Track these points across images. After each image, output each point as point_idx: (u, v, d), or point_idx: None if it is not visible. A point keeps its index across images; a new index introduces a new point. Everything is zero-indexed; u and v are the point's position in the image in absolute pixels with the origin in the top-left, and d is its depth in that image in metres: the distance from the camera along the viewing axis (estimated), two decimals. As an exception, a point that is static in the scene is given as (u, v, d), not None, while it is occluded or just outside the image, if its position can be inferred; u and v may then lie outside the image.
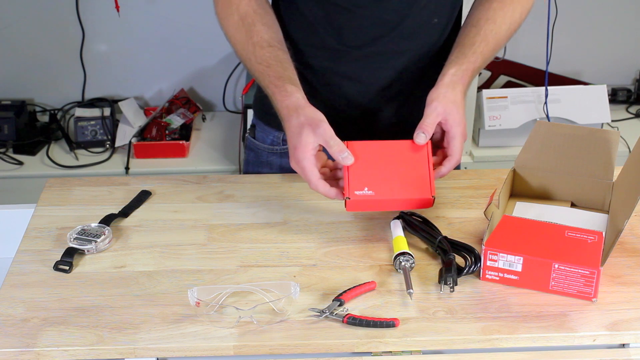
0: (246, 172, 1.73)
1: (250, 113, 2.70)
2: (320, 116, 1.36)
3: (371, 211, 1.41)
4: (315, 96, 1.47)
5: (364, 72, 1.54)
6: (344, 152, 1.34)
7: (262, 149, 1.68)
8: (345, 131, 1.43)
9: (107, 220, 1.43)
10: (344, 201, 1.35)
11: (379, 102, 1.58)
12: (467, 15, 1.54)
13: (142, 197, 1.51)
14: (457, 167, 1.48)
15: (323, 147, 1.36)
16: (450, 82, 1.41)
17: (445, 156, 1.40)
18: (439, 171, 1.39)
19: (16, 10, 2.91)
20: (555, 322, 1.21)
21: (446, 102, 1.38)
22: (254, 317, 1.20)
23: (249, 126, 2.69)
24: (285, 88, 1.40)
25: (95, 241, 1.36)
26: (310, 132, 1.34)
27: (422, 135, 1.37)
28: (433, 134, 1.39)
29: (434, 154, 1.40)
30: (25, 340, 1.17)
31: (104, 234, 1.38)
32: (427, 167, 1.37)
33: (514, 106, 2.78)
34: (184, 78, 3.06)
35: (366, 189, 1.34)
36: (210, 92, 3.10)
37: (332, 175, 1.39)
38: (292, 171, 1.61)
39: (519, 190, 1.48)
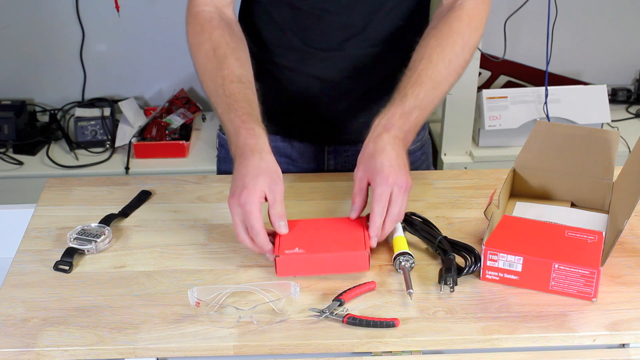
0: (219, 170, 1.72)
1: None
2: (279, 172, 1.31)
3: (305, 275, 1.30)
4: (281, 92, 1.47)
5: (329, 72, 1.55)
6: (282, 220, 1.30)
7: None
8: (310, 130, 1.41)
9: (107, 220, 1.43)
10: (274, 259, 1.29)
11: (344, 102, 1.59)
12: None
13: (142, 197, 1.51)
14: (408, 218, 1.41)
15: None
16: (374, 135, 1.34)
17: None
18: (370, 234, 1.31)
19: (16, 10, 2.91)
20: (555, 322, 1.21)
21: (366, 161, 1.33)
22: (254, 317, 1.20)
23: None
24: (252, 127, 1.34)
25: (95, 241, 1.36)
26: (265, 181, 1.28)
27: (354, 212, 1.34)
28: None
29: None
30: (25, 340, 1.17)
31: (104, 234, 1.38)
32: (363, 231, 1.32)
33: (514, 106, 2.78)
34: (184, 78, 3.06)
35: (297, 248, 1.29)
36: (210, 92, 3.10)
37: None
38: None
39: (519, 190, 1.48)
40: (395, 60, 1.54)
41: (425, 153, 1.73)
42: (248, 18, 1.56)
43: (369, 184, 1.33)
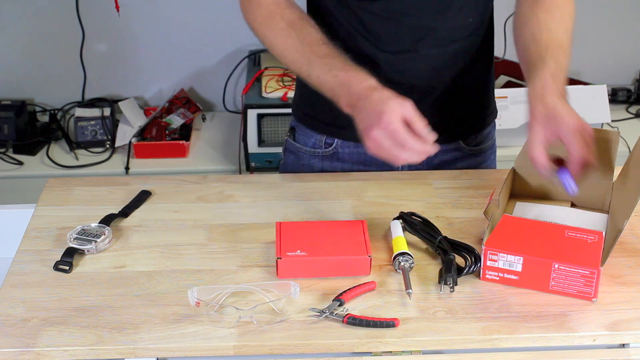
0: (282, 172, 1.72)
1: (250, 113, 2.70)
2: (405, 98, 1.32)
3: (306, 277, 1.30)
4: None
5: (403, 75, 1.54)
6: (427, 128, 1.28)
7: (303, 152, 1.68)
8: None
9: (107, 220, 1.43)
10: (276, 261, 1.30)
11: (418, 103, 1.58)
12: (517, 37, 1.51)
13: (142, 197, 1.51)
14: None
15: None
16: (537, 100, 1.35)
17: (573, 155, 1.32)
18: (583, 161, 1.31)
19: (16, 10, 2.91)
20: (555, 322, 1.21)
21: (543, 121, 1.33)
22: (254, 317, 1.20)
23: (249, 126, 2.74)
24: (359, 74, 1.37)
25: (95, 241, 1.36)
26: (397, 103, 1.29)
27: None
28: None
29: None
30: (25, 340, 1.17)
31: (104, 234, 1.38)
32: (364, 234, 1.33)
33: (514, 106, 2.78)
34: (184, 78, 3.06)
35: (299, 250, 1.30)
36: (210, 92, 3.10)
37: None
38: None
39: (519, 190, 1.47)
40: (467, 58, 1.55)
41: (493, 153, 1.75)
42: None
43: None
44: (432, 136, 1.28)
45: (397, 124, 1.27)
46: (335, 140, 1.64)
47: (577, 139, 1.30)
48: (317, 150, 1.66)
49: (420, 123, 1.28)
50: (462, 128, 1.66)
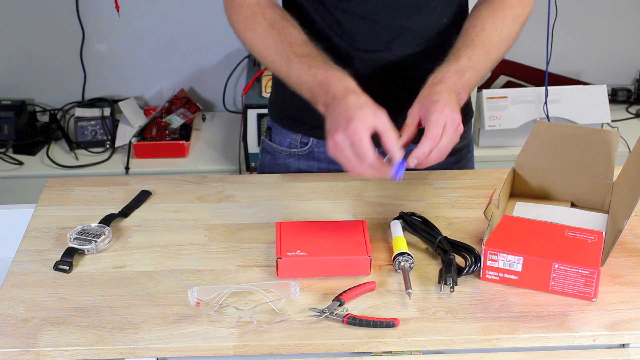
0: (261, 173, 1.73)
1: (250, 113, 2.70)
2: (379, 106, 1.31)
3: (306, 277, 1.30)
4: None
5: (377, 74, 1.55)
6: (398, 144, 1.27)
7: (279, 152, 1.68)
8: None
9: (107, 220, 1.43)
10: (276, 258, 1.30)
11: (387, 98, 1.59)
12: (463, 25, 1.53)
13: (142, 197, 1.51)
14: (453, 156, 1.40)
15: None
16: (429, 85, 1.37)
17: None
18: (412, 155, 1.29)
19: (16, 10, 2.91)
20: (555, 322, 1.21)
21: (421, 101, 1.34)
22: (254, 317, 1.20)
23: (249, 126, 2.74)
24: (338, 74, 1.36)
25: (95, 241, 1.36)
26: (371, 112, 1.27)
27: (403, 139, 1.32)
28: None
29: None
30: (25, 340, 1.17)
31: (104, 234, 1.38)
32: (364, 234, 1.33)
33: (514, 106, 2.78)
34: (184, 78, 3.06)
35: (299, 251, 1.30)
36: (210, 92, 3.10)
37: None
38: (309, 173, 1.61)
39: (519, 190, 1.48)
40: (440, 57, 1.55)
41: (470, 152, 1.75)
42: None
43: (419, 125, 1.32)
44: (400, 154, 1.27)
45: (362, 134, 1.25)
46: (311, 139, 1.64)
47: (437, 120, 1.28)
48: (292, 150, 1.66)
49: (390, 136, 1.27)
50: None
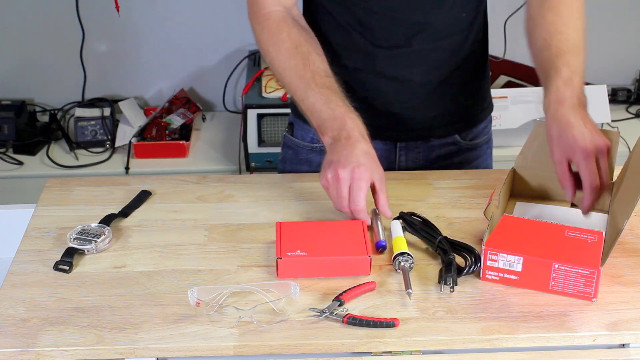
0: (283, 170, 1.74)
1: (250, 113, 2.70)
2: (380, 165, 1.40)
3: (306, 277, 1.30)
4: (350, 93, 1.47)
5: (398, 70, 1.56)
6: (387, 203, 1.38)
7: (301, 147, 1.69)
8: (382, 128, 1.43)
9: (107, 220, 1.43)
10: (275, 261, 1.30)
11: (415, 98, 1.60)
12: (530, 43, 1.51)
13: (142, 197, 1.51)
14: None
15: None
16: (551, 113, 1.36)
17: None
18: (583, 203, 1.34)
19: (16, 10, 2.91)
20: (555, 322, 1.21)
21: (557, 141, 1.34)
22: (254, 317, 1.20)
23: (249, 126, 2.73)
24: (355, 117, 1.41)
25: (95, 241, 1.36)
26: (376, 166, 1.37)
27: (568, 195, 1.36)
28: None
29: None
30: (25, 340, 1.17)
31: (104, 234, 1.38)
32: (364, 234, 1.33)
33: (514, 106, 2.78)
34: (184, 78, 3.06)
35: (299, 250, 1.30)
36: (210, 92, 3.10)
37: None
38: None
39: (519, 190, 1.48)
40: (462, 53, 1.56)
41: (490, 148, 1.77)
42: (312, 23, 1.56)
43: (569, 163, 1.34)
44: (389, 213, 1.38)
45: (364, 183, 1.34)
46: None
47: (588, 166, 1.30)
48: (315, 145, 1.67)
49: (383, 195, 1.37)
50: (457, 122, 1.67)
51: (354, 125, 1.39)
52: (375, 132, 1.41)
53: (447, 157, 1.67)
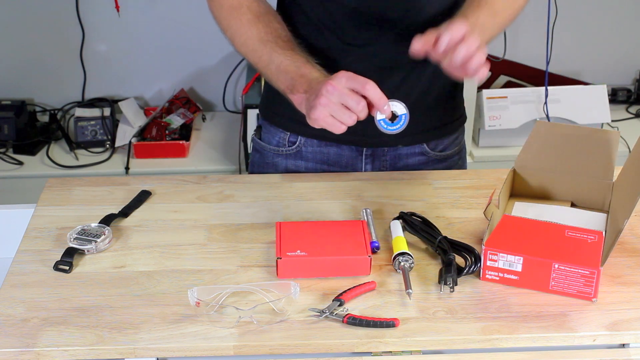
0: (252, 174, 1.73)
1: (250, 113, 2.70)
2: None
3: (306, 277, 1.30)
4: None
5: (368, 69, 1.55)
6: (377, 89, 1.30)
7: (267, 150, 1.68)
8: (348, 132, 1.42)
9: (107, 220, 1.43)
10: (275, 261, 1.30)
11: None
12: None
13: (142, 197, 1.51)
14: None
15: None
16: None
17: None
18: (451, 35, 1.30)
19: (16, 11, 2.91)
20: (555, 322, 1.21)
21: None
22: (254, 317, 1.20)
23: (249, 126, 2.73)
24: (320, 71, 1.40)
25: (95, 241, 1.36)
26: (345, 75, 1.31)
27: (416, 43, 1.34)
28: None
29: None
30: (25, 340, 1.17)
31: (104, 234, 1.38)
32: (364, 234, 1.33)
33: (514, 106, 2.78)
34: (184, 78, 3.06)
35: (299, 250, 1.30)
36: (210, 92, 3.10)
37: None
38: (297, 173, 1.61)
39: (519, 190, 1.48)
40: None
41: (462, 158, 1.74)
42: (284, 19, 1.55)
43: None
44: (384, 100, 1.31)
45: (343, 86, 1.29)
46: (299, 138, 1.64)
47: (459, 24, 1.30)
48: (280, 148, 1.66)
49: (369, 84, 1.30)
50: (427, 131, 1.64)
51: (318, 76, 1.38)
52: (341, 137, 1.39)
53: (415, 167, 1.65)
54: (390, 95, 1.54)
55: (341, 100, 1.29)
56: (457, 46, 1.29)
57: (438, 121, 1.65)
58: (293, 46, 1.46)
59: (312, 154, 1.64)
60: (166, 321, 1.20)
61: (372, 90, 1.29)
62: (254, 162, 1.73)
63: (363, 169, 1.64)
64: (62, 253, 1.34)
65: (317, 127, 1.32)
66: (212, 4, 1.55)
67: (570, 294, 1.25)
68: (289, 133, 1.64)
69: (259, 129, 1.72)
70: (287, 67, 1.42)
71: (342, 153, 1.63)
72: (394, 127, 1.34)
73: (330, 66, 1.55)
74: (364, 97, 1.30)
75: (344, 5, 1.50)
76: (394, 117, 1.34)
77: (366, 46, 1.53)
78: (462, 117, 1.71)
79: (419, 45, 1.34)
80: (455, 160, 1.71)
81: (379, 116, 1.33)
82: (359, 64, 1.54)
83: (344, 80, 1.30)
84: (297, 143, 1.64)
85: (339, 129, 1.31)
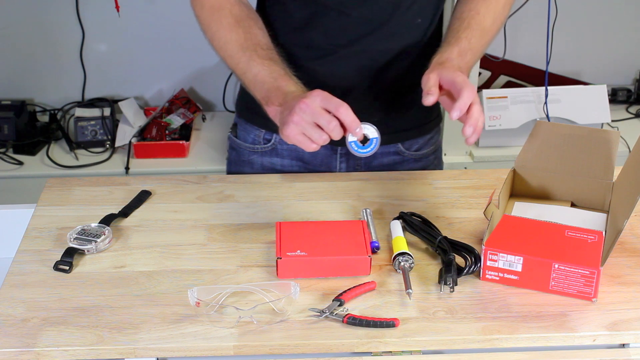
0: (229, 172, 1.74)
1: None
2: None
3: (306, 277, 1.30)
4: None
5: (350, 70, 1.55)
6: (351, 112, 1.29)
7: (243, 148, 1.69)
8: None
9: (107, 220, 1.43)
10: (276, 261, 1.30)
11: (359, 99, 1.58)
12: (452, 12, 1.55)
13: (142, 197, 1.51)
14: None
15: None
16: (436, 62, 1.40)
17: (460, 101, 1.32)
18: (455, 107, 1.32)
19: (16, 11, 2.91)
20: (555, 322, 1.21)
21: (438, 69, 1.37)
22: (254, 317, 1.20)
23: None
24: (297, 84, 1.40)
25: (95, 241, 1.36)
26: (320, 94, 1.30)
27: (430, 97, 1.34)
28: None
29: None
30: (25, 340, 1.17)
31: (104, 234, 1.38)
32: (364, 234, 1.33)
33: (514, 106, 2.78)
34: (184, 78, 3.06)
35: (299, 250, 1.30)
36: (210, 92, 3.10)
37: None
38: (274, 170, 1.62)
39: (519, 190, 1.48)
40: (412, 57, 1.55)
41: (437, 158, 1.75)
42: (264, 19, 1.56)
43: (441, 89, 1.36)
44: (357, 123, 1.30)
45: (316, 105, 1.28)
46: (274, 135, 1.64)
47: (467, 87, 1.31)
48: (256, 146, 1.67)
49: (343, 106, 1.29)
50: (402, 131, 1.65)
51: (295, 91, 1.38)
52: None
53: (390, 167, 1.66)
54: (369, 93, 1.55)
55: (314, 119, 1.29)
56: (466, 118, 1.32)
57: (413, 122, 1.66)
58: (272, 55, 1.45)
59: (288, 152, 1.64)
60: (166, 321, 1.20)
61: (345, 112, 1.29)
62: (231, 160, 1.74)
63: (337, 167, 1.65)
64: (62, 253, 1.34)
65: (289, 142, 1.32)
66: (194, 3, 1.55)
67: (570, 294, 1.25)
68: (264, 131, 1.65)
69: (234, 127, 1.73)
70: (263, 77, 1.42)
71: (317, 151, 1.63)
72: (365, 150, 1.35)
73: (312, 67, 1.55)
74: (337, 118, 1.30)
75: (330, 7, 1.50)
76: (365, 139, 1.34)
77: (349, 46, 1.53)
78: (438, 118, 1.73)
79: (433, 99, 1.35)
80: (431, 160, 1.71)
81: (350, 138, 1.33)
82: (341, 63, 1.54)
83: (319, 99, 1.29)
84: (272, 140, 1.65)
85: (309, 147, 1.31)
